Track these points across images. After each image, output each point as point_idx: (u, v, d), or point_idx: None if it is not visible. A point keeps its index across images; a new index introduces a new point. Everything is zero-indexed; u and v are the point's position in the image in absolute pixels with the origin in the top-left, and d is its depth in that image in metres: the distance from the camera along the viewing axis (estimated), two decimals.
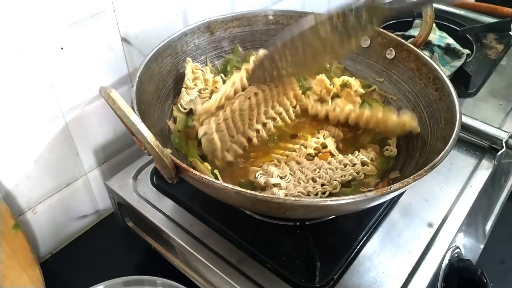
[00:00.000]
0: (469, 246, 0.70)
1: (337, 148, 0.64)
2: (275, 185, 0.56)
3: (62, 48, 0.59)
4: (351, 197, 0.45)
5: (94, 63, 0.64)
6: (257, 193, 0.45)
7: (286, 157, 0.61)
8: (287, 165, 0.59)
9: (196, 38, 0.71)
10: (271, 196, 0.44)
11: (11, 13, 0.51)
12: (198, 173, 0.46)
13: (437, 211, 0.65)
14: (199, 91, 0.67)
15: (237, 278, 0.55)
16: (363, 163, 0.61)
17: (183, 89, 0.66)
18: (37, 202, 0.66)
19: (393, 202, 0.66)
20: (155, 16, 0.70)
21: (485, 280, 0.59)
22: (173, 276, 0.58)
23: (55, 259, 0.71)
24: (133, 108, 0.52)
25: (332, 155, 0.62)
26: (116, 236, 0.74)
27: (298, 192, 0.56)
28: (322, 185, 0.57)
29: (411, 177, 0.47)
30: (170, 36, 0.67)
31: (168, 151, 0.47)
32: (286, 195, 0.54)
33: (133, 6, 0.66)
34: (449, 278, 0.60)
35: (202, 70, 0.70)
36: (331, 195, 0.57)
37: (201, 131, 0.59)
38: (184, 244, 0.59)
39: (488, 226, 0.79)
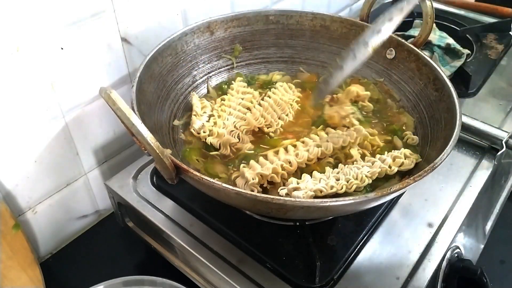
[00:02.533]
0: (469, 246, 0.70)
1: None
2: (295, 189, 0.55)
3: (62, 48, 0.59)
4: (351, 198, 0.45)
5: (94, 63, 0.64)
6: (258, 194, 0.45)
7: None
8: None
9: (196, 38, 0.71)
10: (271, 197, 0.44)
11: (11, 13, 0.51)
12: (198, 174, 0.46)
13: (437, 211, 0.65)
14: (208, 118, 0.68)
15: (237, 278, 0.55)
16: (394, 158, 0.59)
17: (193, 116, 0.67)
18: (37, 202, 0.66)
19: (393, 202, 0.66)
20: (155, 16, 0.70)
21: (485, 280, 0.59)
22: (173, 276, 0.57)
23: (55, 259, 0.71)
24: (133, 109, 0.52)
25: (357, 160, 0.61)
26: (116, 236, 0.74)
27: (316, 189, 0.54)
28: (348, 181, 0.56)
29: (411, 177, 0.47)
30: (170, 36, 0.67)
31: (168, 151, 0.47)
32: (305, 193, 0.53)
33: (133, 6, 0.66)
34: (449, 278, 0.60)
35: (207, 101, 0.71)
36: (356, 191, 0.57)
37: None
38: (184, 244, 0.59)
39: (488, 226, 0.79)
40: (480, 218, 0.75)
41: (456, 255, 0.63)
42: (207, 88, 0.74)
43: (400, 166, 0.59)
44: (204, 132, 0.65)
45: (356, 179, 0.56)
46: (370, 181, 0.57)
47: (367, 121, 0.69)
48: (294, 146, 0.62)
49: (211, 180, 0.46)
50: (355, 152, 0.61)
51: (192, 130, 0.66)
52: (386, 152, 0.61)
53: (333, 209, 0.50)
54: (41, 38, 0.56)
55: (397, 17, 0.54)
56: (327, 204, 0.45)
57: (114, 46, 0.66)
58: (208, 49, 0.74)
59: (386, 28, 0.54)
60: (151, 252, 0.68)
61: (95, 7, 0.60)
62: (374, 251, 0.59)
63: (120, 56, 0.68)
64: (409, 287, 0.55)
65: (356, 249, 0.59)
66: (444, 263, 0.60)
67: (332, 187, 0.55)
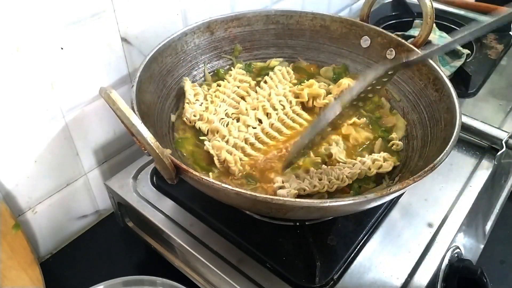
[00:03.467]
0: (469, 246, 0.70)
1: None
2: (280, 187, 0.56)
3: (62, 48, 0.59)
4: (351, 198, 0.45)
5: (94, 63, 0.64)
6: (257, 194, 0.45)
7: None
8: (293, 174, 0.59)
9: (196, 38, 0.71)
10: (271, 197, 0.44)
11: (11, 13, 0.51)
12: (198, 174, 0.46)
13: (437, 211, 0.65)
14: (201, 105, 0.68)
15: (237, 278, 0.55)
16: (374, 161, 0.61)
17: (186, 104, 0.67)
18: (37, 202, 0.66)
19: (393, 202, 0.66)
20: (155, 16, 0.70)
21: (485, 280, 0.59)
22: (173, 276, 0.57)
23: (55, 259, 0.71)
24: (133, 109, 0.52)
25: (339, 162, 0.62)
26: (116, 236, 0.74)
27: (301, 188, 0.56)
28: (329, 181, 0.57)
29: (411, 178, 0.47)
30: (170, 36, 0.67)
31: (168, 151, 0.47)
32: (289, 191, 0.55)
33: (133, 6, 0.66)
34: (449, 278, 0.60)
35: (199, 87, 0.71)
36: (337, 191, 0.58)
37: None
38: (184, 244, 0.59)
39: (488, 226, 0.79)
40: (480, 218, 0.75)
41: (456, 255, 0.63)
42: (204, 73, 0.74)
43: (379, 168, 0.60)
44: (194, 116, 0.65)
45: (337, 179, 0.58)
46: (350, 181, 0.58)
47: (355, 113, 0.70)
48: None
49: (211, 180, 0.46)
50: (336, 151, 0.62)
51: (184, 119, 0.66)
52: (366, 155, 0.62)
53: (333, 210, 0.50)
54: (41, 38, 0.56)
55: (370, 75, 0.55)
56: (327, 204, 0.45)
57: (114, 46, 0.66)
58: (208, 49, 0.74)
59: (357, 85, 0.56)
60: (151, 252, 0.68)
61: (95, 7, 0.60)
62: (374, 251, 0.59)
63: (120, 56, 0.68)
64: (409, 287, 0.55)
65: (356, 249, 0.59)
66: (444, 263, 0.60)
67: (314, 186, 0.57)
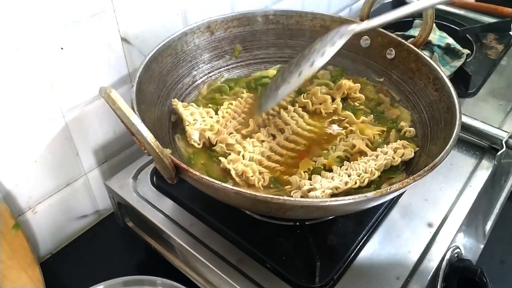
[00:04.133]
0: (469, 246, 0.70)
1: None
2: (309, 190, 0.55)
3: (62, 48, 0.59)
4: (351, 197, 0.45)
5: (94, 63, 0.64)
6: (257, 194, 0.45)
7: (314, 163, 0.61)
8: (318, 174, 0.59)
9: (196, 38, 0.71)
10: (271, 196, 0.44)
11: (11, 13, 0.51)
12: (198, 173, 0.46)
13: (437, 211, 0.65)
14: (204, 121, 0.66)
15: (237, 278, 0.55)
16: (395, 149, 0.61)
17: (187, 127, 0.64)
18: (37, 202, 0.66)
19: (393, 202, 0.66)
20: (155, 16, 0.70)
21: (485, 280, 0.59)
22: (173, 276, 0.58)
23: (55, 259, 0.71)
24: (133, 109, 0.52)
25: (363, 153, 0.62)
26: (116, 236, 0.74)
27: (333, 186, 0.55)
28: (359, 175, 0.57)
29: (411, 177, 0.47)
30: (170, 36, 0.67)
31: (168, 151, 0.47)
32: (322, 192, 0.54)
33: (133, 6, 0.66)
34: (449, 278, 0.60)
35: (193, 105, 0.69)
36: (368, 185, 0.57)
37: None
38: (184, 244, 0.59)
39: (488, 226, 0.79)
40: (480, 218, 0.75)
41: (456, 255, 0.63)
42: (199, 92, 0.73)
43: (401, 156, 0.60)
44: (205, 125, 0.64)
45: (366, 172, 0.57)
46: (379, 173, 0.58)
47: (359, 111, 0.70)
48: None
49: (211, 179, 0.46)
50: (358, 142, 0.62)
51: (192, 142, 0.64)
52: (385, 146, 0.62)
53: (333, 209, 0.50)
54: (41, 38, 0.56)
55: (329, 52, 0.57)
56: (327, 203, 0.45)
57: (114, 46, 0.66)
58: (208, 49, 0.74)
59: (318, 62, 0.57)
60: (151, 252, 0.68)
61: (95, 7, 0.60)
62: (374, 251, 0.59)
63: (120, 56, 0.68)
64: (409, 287, 0.55)
65: (356, 249, 0.59)
66: (444, 263, 0.60)
67: (346, 183, 0.56)
